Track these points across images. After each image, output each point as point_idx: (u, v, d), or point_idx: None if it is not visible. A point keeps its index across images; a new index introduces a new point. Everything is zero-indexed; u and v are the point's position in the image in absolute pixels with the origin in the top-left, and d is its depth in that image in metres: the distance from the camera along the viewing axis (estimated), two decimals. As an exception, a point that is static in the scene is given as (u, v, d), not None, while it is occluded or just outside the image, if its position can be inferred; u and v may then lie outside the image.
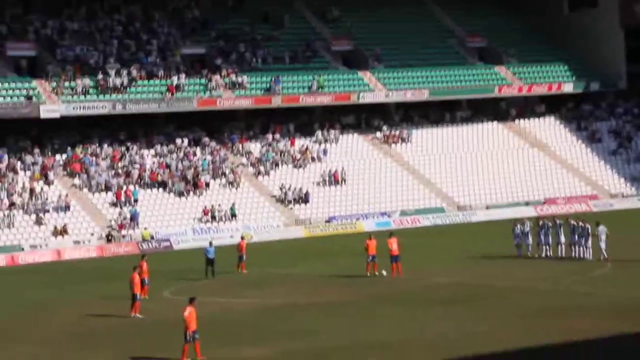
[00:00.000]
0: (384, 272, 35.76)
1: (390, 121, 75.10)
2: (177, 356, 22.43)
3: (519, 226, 39.77)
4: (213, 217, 60.51)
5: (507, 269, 36.33)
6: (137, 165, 64.42)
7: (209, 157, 67.05)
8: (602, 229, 36.83)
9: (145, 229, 58.05)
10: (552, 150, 74.80)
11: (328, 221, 62.22)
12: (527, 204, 66.19)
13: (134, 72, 66.98)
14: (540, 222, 39.80)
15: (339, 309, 28.87)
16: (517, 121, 77.72)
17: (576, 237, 37.52)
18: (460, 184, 68.86)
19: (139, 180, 63.20)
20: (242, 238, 44.86)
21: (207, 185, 63.99)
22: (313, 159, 68.99)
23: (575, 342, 21.72)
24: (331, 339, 23.80)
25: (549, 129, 77.45)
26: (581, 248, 37.39)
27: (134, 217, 59.04)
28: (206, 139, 69.12)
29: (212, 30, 74.66)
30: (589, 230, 36.94)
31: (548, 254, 38.55)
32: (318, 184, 66.53)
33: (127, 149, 66.27)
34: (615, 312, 25.16)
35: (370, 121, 74.60)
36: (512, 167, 71.57)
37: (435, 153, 72.36)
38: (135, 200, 61.04)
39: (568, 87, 78.51)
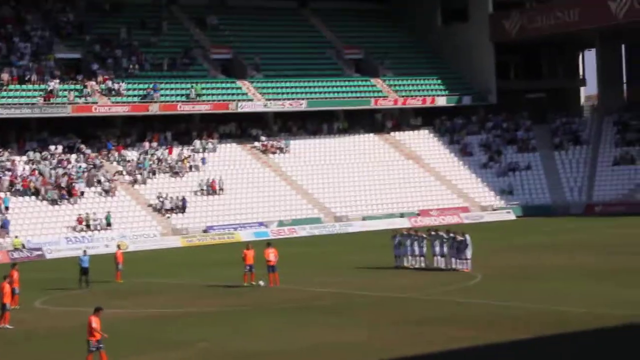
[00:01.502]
0: (262, 282, 35.60)
1: (268, 131, 75.09)
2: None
3: (397, 237, 40.18)
4: (88, 226, 59.14)
5: (384, 279, 36.67)
6: (9, 172, 62.41)
7: (83, 165, 65.54)
8: (468, 239, 37.54)
9: (17, 237, 56.26)
10: (426, 163, 76.18)
11: (205, 231, 61.66)
12: (402, 215, 67.14)
13: (6, 76, 64.96)
14: (415, 234, 40.28)
15: (215, 319, 28.55)
16: (392, 133, 78.89)
17: (445, 249, 38.13)
18: (337, 195, 69.35)
19: (10, 188, 61.24)
20: (119, 247, 43.95)
21: (82, 193, 62.52)
22: (191, 168, 68.31)
23: (455, 350, 22.00)
24: (208, 349, 23.48)
25: (423, 141, 78.90)
26: (454, 259, 38.01)
27: (4, 225, 57.15)
28: (81, 146, 67.57)
29: (88, 34, 73.13)
30: (466, 242, 37.53)
31: (423, 264, 39.07)
32: (196, 193, 65.89)
33: (-2, 154, 64.16)
34: (490, 321, 25.65)
35: (248, 131, 74.41)
36: (388, 178, 72.53)
37: (312, 163, 72.70)
38: (6, 208, 59.10)
39: (441, 101, 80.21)
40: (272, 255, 35.95)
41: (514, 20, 79.91)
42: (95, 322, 21.22)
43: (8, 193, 60.65)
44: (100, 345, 21.04)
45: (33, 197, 61.22)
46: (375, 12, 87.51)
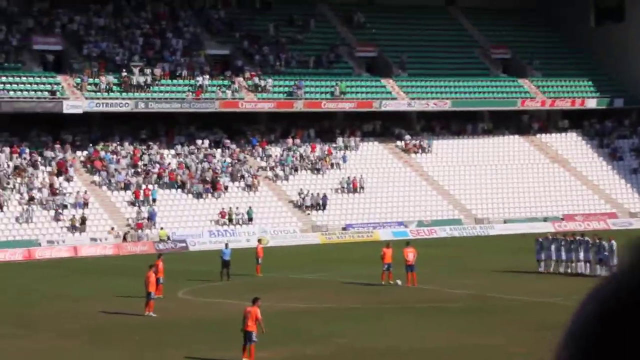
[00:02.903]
0: (399, 282, 35.77)
1: (411, 130, 75.04)
2: (191, 355, 22.55)
3: (541, 241, 39.57)
4: (230, 220, 60.65)
5: (524, 282, 36.26)
6: (157, 165, 64.64)
7: (228, 160, 67.21)
8: (615, 245, 36.68)
9: (162, 228, 58.27)
10: (573, 166, 74.57)
11: (345, 229, 62.21)
12: (545, 219, 65.99)
13: (158, 71, 67.30)
14: (560, 238, 39.63)
15: (352, 316, 28.90)
16: (538, 135, 77.55)
17: (590, 255, 37.39)
18: (478, 197, 68.73)
19: (158, 180, 63.42)
20: (259, 242, 44.96)
21: (226, 187, 64.14)
22: (332, 166, 69.03)
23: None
24: (345, 345, 23.86)
25: (571, 144, 77.22)
26: (599, 266, 37.24)
27: (151, 217, 59.28)
28: (227, 141, 69.28)
29: (237, 31, 74.94)
30: (612, 249, 36.66)
31: (567, 270, 38.42)
32: (336, 190, 66.54)
33: (148, 147, 66.54)
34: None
35: (391, 129, 74.58)
36: (532, 181, 71.39)
37: (455, 164, 72.26)
38: (154, 200, 61.26)
39: (591, 103, 78.28)
40: (410, 254, 36.06)
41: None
42: (254, 311, 21.61)
43: (156, 185, 62.82)
44: (255, 340, 21.47)
45: (179, 190, 63.24)
46: (525, 11, 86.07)
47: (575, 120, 78.89)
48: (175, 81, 67.80)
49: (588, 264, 37.63)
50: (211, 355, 22.85)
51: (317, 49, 75.92)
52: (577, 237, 38.95)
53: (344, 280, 38.43)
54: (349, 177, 67.27)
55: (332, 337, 24.86)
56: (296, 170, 68.01)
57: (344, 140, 71.86)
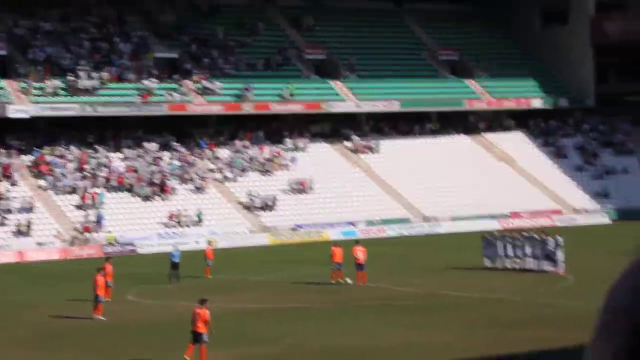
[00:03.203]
0: (349, 280, 35.78)
1: (359, 131, 75.23)
2: (140, 357, 22.30)
3: (488, 238, 39.88)
4: (179, 223, 60.25)
5: (473, 279, 36.47)
6: (105, 169, 64.02)
7: (177, 162, 66.79)
8: (561, 241, 37.17)
9: (110, 232, 57.69)
10: (519, 165, 75.30)
11: (294, 229, 62.15)
12: (492, 217, 66.51)
13: (105, 75, 66.66)
14: (507, 236, 40.01)
15: (303, 315, 28.83)
16: (485, 135, 78.20)
17: (538, 251, 37.78)
18: (426, 196, 69.08)
19: (106, 184, 62.80)
20: (209, 244, 44.72)
21: (174, 190, 63.72)
22: (281, 167, 68.94)
23: (541, 351, 21.81)
24: (295, 345, 23.76)
25: (517, 143, 77.98)
26: (546, 262, 37.62)
27: (99, 220, 58.67)
28: (175, 144, 68.84)
29: (186, 35, 74.51)
30: (558, 244, 37.09)
31: (515, 266, 38.73)
32: (285, 191, 66.47)
33: (95, 151, 65.86)
34: (580, 323, 25.26)
35: (340, 131, 74.70)
36: (479, 180, 71.89)
37: (403, 164, 72.54)
38: (101, 203, 60.65)
39: (537, 103, 79.16)
40: (360, 253, 36.10)
41: (615, 23, 78.36)
42: (204, 313, 21.50)
43: (104, 189, 62.19)
44: (206, 340, 21.34)
45: (127, 193, 62.66)
46: (472, 14, 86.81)
47: (520, 120, 79.70)
48: (122, 85, 67.20)
49: (535, 260, 37.98)
50: (161, 358, 22.60)
51: (266, 52, 75.80)
52: (524, 234, 39.31)
53: (294, 280, 38.35)
54: (298, 178, 67.23)
55: (283, 338, 24.75)
56: (245, 171, 67.80)
57: (293, 141, 71.82)
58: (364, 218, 64.40)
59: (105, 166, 64.35)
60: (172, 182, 64.09)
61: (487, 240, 39.92)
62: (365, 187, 68.63)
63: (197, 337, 21.33)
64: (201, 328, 21.35)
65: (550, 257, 37.39)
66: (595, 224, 65.99)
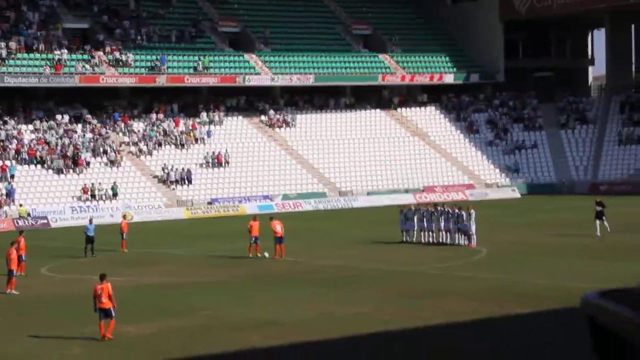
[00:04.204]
0: (267, 254, 35.63)
1: (275, 105, 74.95)
2: (53, 333, 21.82)
3: (404, 212, 40.16)
4: (93, 196, 59.23)
5: (389, 253, 36.70)
6: (15, 141, 62.44)
7: (89, 135, 65.54)
8: (473, 215, 37.69)
9: (22, 205, 56.37)
10: (432, 140, 76.07)
11: (210, 203, 61.72)
12: (406, 191, 67.15)
13: (14, 45, 64.85)
14: (422, 209, 40.36)
15: (219, 289, 28.60)
16: (399, 109, 78.72)
17: (451, 224, 38.19)
18: (342, 170, 69.32)
19: (16, 156, 61.29)
20: (124, 217, 44.09)
21: (88, 163, 62.57)
22: (197, 140, 68.28)
23: (457, 323, 22.04)
24: (213, 318, 23.53)
25: (430, 118, 78.73)
26: (459, 235, 38.07)
27: (9, 194, 57.26)
28: (88, 116, 67.54)
29: (96, 4, 72.91)
30: (471, 218, 37.57)
31: (430, 239, 39.11)
32: (201, 165, 65.90)
33: (5, 123, 64.15)
34: (493, 295, 25.69)
35: (255, 104, 74.30)
36: (393, 154, 72.46)
37: (318, 138, 72.61)
38: (12, 176, 59.18)
39: (449, 78, 79.99)
40: (278, 226, 35.92)
41: (523, -1, 79.62)
42: (106, 288, 21.29)
43: (14, 161, 60.71)
44: (113, 315, 21.12)
45: (39, 166, 61.29)
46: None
47: (433, 95, 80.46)
48: (32, 55, 65.49)
49: (448, 233, 38.43)
50: (76, 331, 22.15)
51: (180, 24, 74.77)
52: (438, 208, 39.69)
53: (211, 254, 38.06)
54: (213, 152, 66.71)
55: (200, 310, 24.48)
56: (160, 145, 66.94)
57: (208, 115, 71.16)
58: (280, 192, 64.29)
59: (15, 138, 62.77)
60: (86, 155, 62.90)
61: (403, 214, 40.17)
62: (281, 161, 68.51)
63: (105, 313, 21.06)
64: (107, 304, 21.15)
65: (462, 231, 37.84)
66: (505, 198, 67.17)
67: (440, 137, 76.53)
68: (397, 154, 72.61)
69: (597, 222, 40.20)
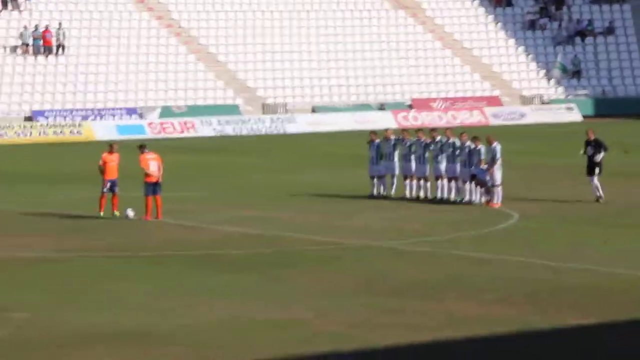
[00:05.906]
0: (130, 212, 36.19)
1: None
2: None
3: (378, 143, 40.52)
4: None
5: (346, 215, 37.23)
6: None
7: None
8: (498, 151, 37.97)
9: None
10: (429, 16, 77.20)
11: (29, 119, 62.89)
12: (382, 107, 68.32)
13: None
14: (408, 140, 40.66)
15: (42, 273, 28.97)
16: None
17: (458, 166, 38.70)
18: (268, 68, 70.20)
19: None
20: None
21: None
22: (4, 4, 69.54)
23: (458, 340, 22.38)
24: (30, 325, 23.87)
25: None
26: (472, 185, 38.60)
27: None
28: None
29: None
30: (494, 157, 37.87)
31: (421, 193, 39.62)
32: (11, 49, 67.03)
33: None
34: (528, 292, 26.00)
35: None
36: (361, 42, 73.19)
37: (221, 9, 73.19)
38: None
39: None
40: (154, 164, 36.06)
41: None
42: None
43: None
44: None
45: None
46: None
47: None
48: None
49: (453, 182, 39.18)
50: None
51: None
52: (438, 138, 40.28)
53: (30, 209, 38.60)
54: (36, 27, 67.64)
55: (8, 313, 24.74)
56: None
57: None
58: (157, 103, 64.95)
59: None
60: None
61: (375, 146, 40.52)
62: (160, 47, 69.42)
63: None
64: None
65: (479, 179, 38.30)
66: (556, 123, 68.34)
67: (442, 11, 77.27)
68: (367, 42, 73.18)
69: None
